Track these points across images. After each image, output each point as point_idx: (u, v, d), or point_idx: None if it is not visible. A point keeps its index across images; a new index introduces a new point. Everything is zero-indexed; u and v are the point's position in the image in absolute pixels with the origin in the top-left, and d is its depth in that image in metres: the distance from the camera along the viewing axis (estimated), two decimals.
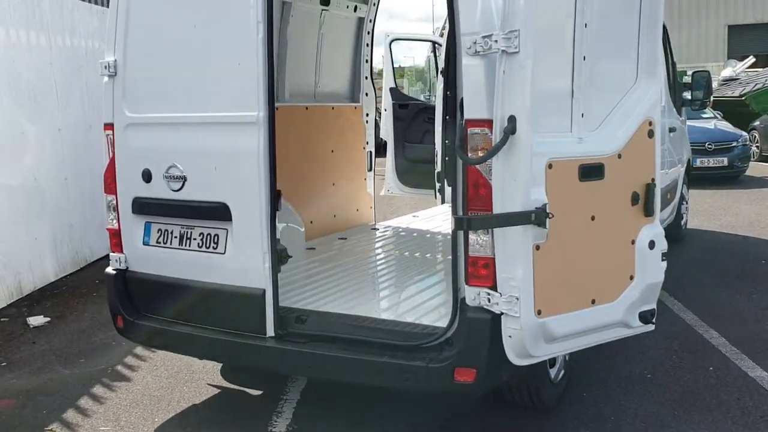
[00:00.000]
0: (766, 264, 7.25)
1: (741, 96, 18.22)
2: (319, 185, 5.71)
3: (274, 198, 3.54)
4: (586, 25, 3.25)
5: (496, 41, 2.89)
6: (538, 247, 3.02)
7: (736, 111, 18.38)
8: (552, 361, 3.85)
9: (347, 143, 6.10)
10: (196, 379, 4.57)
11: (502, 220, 2.97)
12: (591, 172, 3.22)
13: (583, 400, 4.15)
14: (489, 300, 3.05)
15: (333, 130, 5.91)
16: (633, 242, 3.41)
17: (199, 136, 3.74)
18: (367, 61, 6.35)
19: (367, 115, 6.39)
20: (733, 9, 29.10)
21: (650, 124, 3.43)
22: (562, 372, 4.04)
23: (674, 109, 7.39)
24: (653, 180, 3.44)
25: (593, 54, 3.28)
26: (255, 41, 3.47)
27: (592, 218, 3.25)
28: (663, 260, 3.48)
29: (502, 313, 3.02)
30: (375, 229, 6.35)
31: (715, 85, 21.46)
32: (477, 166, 3.05)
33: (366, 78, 6.37)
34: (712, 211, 10.25)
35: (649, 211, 3.42)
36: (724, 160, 12.77)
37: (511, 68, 2.90)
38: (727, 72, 22.18)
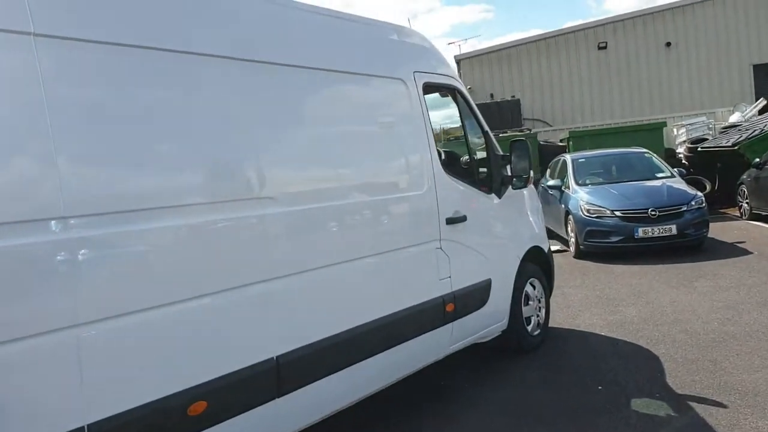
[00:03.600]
0: (601, 391, 5.42)
1: (734, 145, 15.82)
2: None
3: None
4: None
5: None
6: None
7: (735, 162, 16.11)
8: None
9: None
10: None
11: None
12: None
13: None
14: None
15: None
16: None
17: None
18: None
19: None
20: (757, 47, 26.70)
21: None
22: None
23: (477, 191, 5.80)
24: None
25: None
26: None
27: None
28: None
29: None
30: None
31: (713, 133, 19.35)
32: None
33: None
34: (622, 300, 8.38)
35: None
36: (672, 228, 10.73)
37: None
38: (735, 117, 19.90)
